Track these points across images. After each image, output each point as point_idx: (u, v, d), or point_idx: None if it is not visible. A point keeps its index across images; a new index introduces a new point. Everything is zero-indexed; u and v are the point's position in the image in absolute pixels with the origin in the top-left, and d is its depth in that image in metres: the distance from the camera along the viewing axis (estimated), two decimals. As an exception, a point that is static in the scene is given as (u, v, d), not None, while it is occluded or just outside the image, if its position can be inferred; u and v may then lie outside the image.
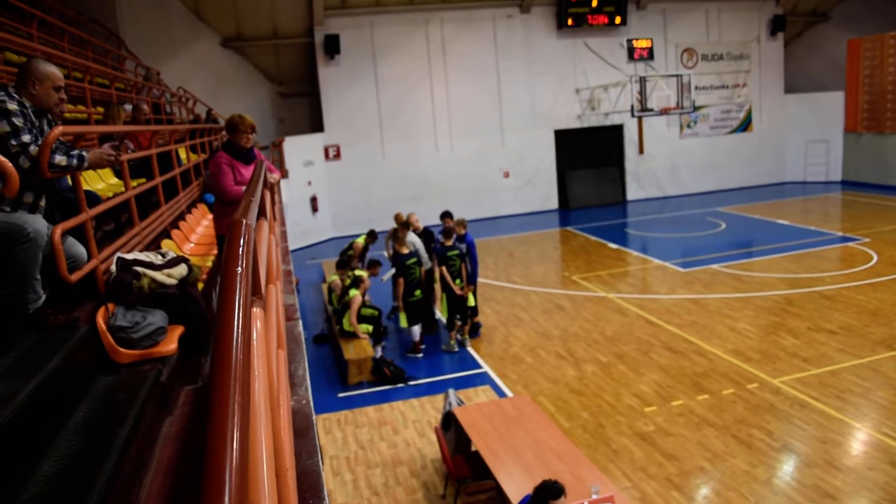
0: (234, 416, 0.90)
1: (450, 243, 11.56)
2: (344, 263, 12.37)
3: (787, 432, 8.01)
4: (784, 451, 7.65)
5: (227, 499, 0.76)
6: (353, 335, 10.96)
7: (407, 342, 11.76)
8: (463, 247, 11.72)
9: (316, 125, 23.39)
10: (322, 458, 2.81)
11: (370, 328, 11.03)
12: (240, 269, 1.34)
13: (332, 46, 21.87)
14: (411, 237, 12.00)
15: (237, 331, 1.10)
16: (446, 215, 12.66)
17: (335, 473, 7.84)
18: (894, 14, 25.60)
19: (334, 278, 12.30)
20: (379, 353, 10.96)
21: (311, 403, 2.90)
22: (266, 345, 1.63)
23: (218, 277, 5.95)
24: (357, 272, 11.42)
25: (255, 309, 1.64)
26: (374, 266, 12.25)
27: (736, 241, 18.70)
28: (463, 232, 11.99)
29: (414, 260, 11.49)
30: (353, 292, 11.02)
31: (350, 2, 22.13)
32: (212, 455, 0.84)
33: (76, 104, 9.04)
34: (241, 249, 1.47)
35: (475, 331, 12.14)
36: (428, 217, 16.07)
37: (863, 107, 25.32)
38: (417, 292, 11.41)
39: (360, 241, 13.33)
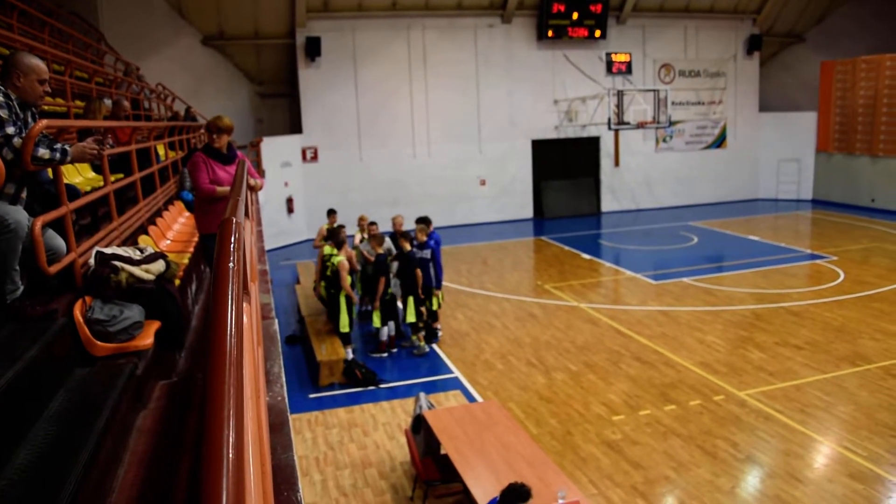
0: (230, 406, 0.96)
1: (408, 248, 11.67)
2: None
3: (751, 444, 8.17)
4: (748, 463, 7.80)
5: (224, 484, 0.81)
6: (333, 306, 11.08)
7: (372, 343, 11.83)
8: (427, 252, 11.70)
9: (294, 126, 23.36)
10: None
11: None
12: (232, 264, 1.40)
13: (314, 49, 21.88)
14: (387, 240, 12.14)
15: (231, 323, 1.15)
16: (421, 221, 12.48)
17: (304, 473, 7.86)
18: (867, 38, 26.16)
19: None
20: (350, 355, 10.97)
21: (286, 400, 2.95)
22: (251, 339, 1.68)
23: (193, 274, 5.96)
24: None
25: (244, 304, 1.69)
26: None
27: (707, 255, 18.97)
28: (423, 239, 11.90)
29: (390, 259, 11.63)
30: (338, 258, 11.04)
31: (332, 5, 22.16)
32: (209, 442, 0.90)
33: (55, 97, 9.00)
34: (232, 246, 1.53)
35: (434, 336, 12.20)
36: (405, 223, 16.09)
37: (834, 127, 25.82)
38: (389, 290, 11.51)
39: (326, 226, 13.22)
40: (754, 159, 27.86)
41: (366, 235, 12.81)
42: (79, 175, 6.60)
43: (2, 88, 3.58)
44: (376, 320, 11.55)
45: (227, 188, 5.26)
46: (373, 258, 11.70)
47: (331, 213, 13.61)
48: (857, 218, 22.85)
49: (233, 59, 22.68)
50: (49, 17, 12.66)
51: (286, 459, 2.34)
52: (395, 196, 23.02)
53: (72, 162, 3.87)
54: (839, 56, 25.88)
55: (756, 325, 12.43)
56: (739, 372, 10.33)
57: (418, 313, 11.60)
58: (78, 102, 9.11)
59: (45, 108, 8.29)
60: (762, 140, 27.72)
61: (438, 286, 11.87)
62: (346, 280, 10.93)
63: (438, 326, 12.41)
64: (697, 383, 9.98)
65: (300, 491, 2.15)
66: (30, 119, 3.79)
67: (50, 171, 4.11)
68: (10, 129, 3.47)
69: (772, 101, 28.13)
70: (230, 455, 0.86)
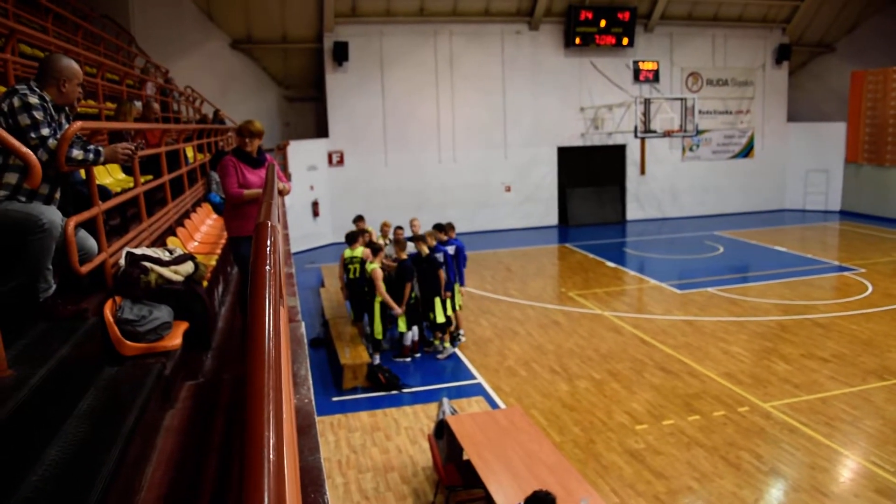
0: (270, 409, 0.97)
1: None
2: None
3: (775, 456, 8.07)
4: (772, 475, 7.71)
5: (266, 486, 0.82)
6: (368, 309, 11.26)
7: (396, 347, 11.86)
8: (439, 256, 11.76)
9: (321, 130, 23.50)
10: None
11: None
12: (269, 267, 1.41)
13: (341, 53, 22.00)
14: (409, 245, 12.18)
15: (269, 327, 1.17)
16: (439, 228, 12.48)
17: (327, 476, 7.87)
18: (898, 48, 25.85)
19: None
20: (377, 360, 11.02)
21: (314, 402, 2.97)
22: (285, 342, 1.70)
23: (220, 276, 6.01)
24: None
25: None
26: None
27: (733, 265, 18.79)
28: (433, 243, 11.91)
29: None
30: (371, 266, 11.12)
31: (360, 10, 22.29)
32: (251, 444, 0.91)
33: (87, 99, 9.13)
34: (268, 249, 1.55)
35: (455, 339, 12.26)
36: (427, 227, 16.11)
37: (864, 138, 25.48)
38: (414, 294, 11.52)
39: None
40: (782, 169, 27.58)
41: (388, 241, 12.83)
42: (109, 176, 6.68)
43: (37, 90, 3.65)
44: (402, 325, 11.56)
45: (255, 191, 5.30)
46: (394, 264, 11.72)
47: (358, 219, 13.61)
48: (887, 230, 22.53)
49: (260, 62, 22.87)
50: (83, 21, 12.86)
51: (313, 461, 2.36)
52: (419, 201, 23.07)
53: (104, 163, 3.93)
54: (869, 66, 25.56)
55: (782, 337, 12.29)
56: (764, 383, 10.22)
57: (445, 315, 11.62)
58: (109, 104, 9.24)
59: (78, 109, 8.42)
60: (790, 150, 27.44)
61: (450, 288, 11.85)
62: (382, 287, 11.00)
63: (461, 330, 12.41)
64: (721, 394, 9.88)
65: (327, 493, 2.17)
66: (63, 121, 3.85)
67: (83, 172, 4.17)
68: (46, 131, 3.53)
69: (800, 111, 27.84)
70: (271, 457, 0.87)
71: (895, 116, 24.08)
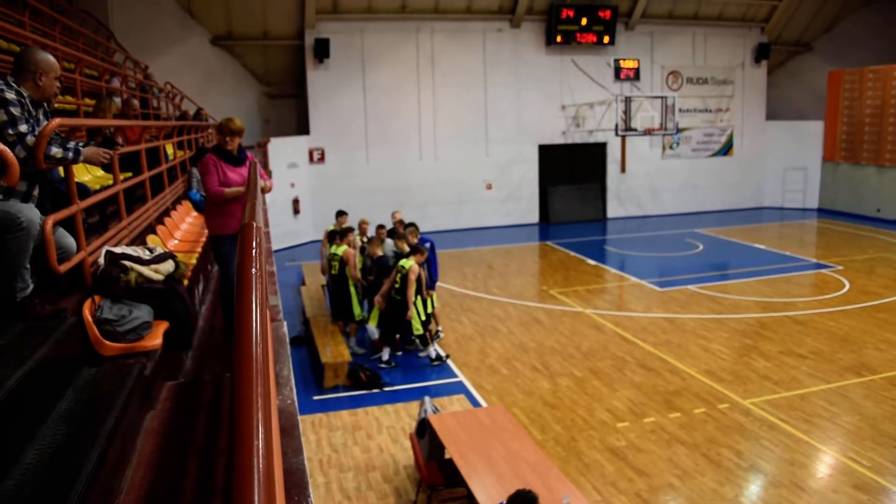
0: (258, 416, 0.96)
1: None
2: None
3: (755, 453, 8.14)
4: (752, 471, 7.77)
5: (257, 494, 0.81)
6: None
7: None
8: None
9: (302, 127, 23.38)
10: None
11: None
12: (255, 269, 1.39)
13: (322, 50, 21.90)
14: (387, 242, 12.17)
15: (256, 330, 1.15)
16: (411, 225, 12.50)
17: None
18: (875, 48, 26.12)
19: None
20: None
21: (296, 403, 2.95)
22: (269, 342, 1.68)
23: (200, 275, 5.97)
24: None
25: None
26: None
27: (712, 262, 18.94)
28: (414, 241, 11.93)
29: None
30: (409, 263, 11.04)
31: (341, 7, 22.19)
32: (240, 451, 0.89)
33: (65, 95, 9.02)
34: (254, 251, 1.53)
35: (435, 336, 12.30)
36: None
37: (841, 137, 25.77)
38: (397, 296, 11.50)
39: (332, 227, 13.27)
40: (761, 167, 27.81)
41: (365, 239, 12.83)
42: (88, 173, 6.60)
43: (14, 86, 3.59)
44: (374, 318, 11.50)
45: (236, 189, 5.25)
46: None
47: (340, 214, 13.57)
48: (863, 228, 22.79)
49: (241, 59, 22.71)
50: (60, 15, 12.70)
51: (297, 464, 2.33)
52: (401, 198, 23.02)
53: (84, 162, 3.88)
54: (847, 66, 25.83)
55: (761, 334, 12.40)
56: (744, 380, 10.31)
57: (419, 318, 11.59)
58: (87, 100, 9.13)
59: (56, 105, 8.31)
60: (769, 148, 27.68)
61: (431, 287, 11.90)
62: (353, 268, 11.35)
63: (440, 328, 12.43)
64: (702, 391, 9.95)
65: (311, 496, 2.15)
66: (41, 117, 3.79)
67: (61, 169, 4.12)
68: (24, 127, 3.47)
69: (779, 110, 28.09)
70: (261, 465, 0.86)
71: (871, 115, 24.37)
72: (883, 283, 15.52)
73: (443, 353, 11.62)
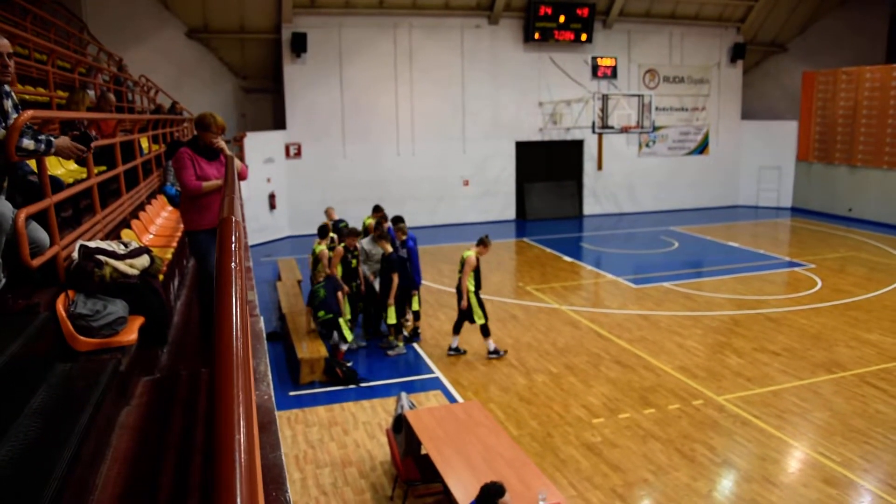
0: (240, 410, 0.95)
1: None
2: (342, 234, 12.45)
3: (728, 448, 8.24)
4: (725, 466, 7.87)
5: (238, 488, 0.81)
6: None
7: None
8: (404, 252, 11.83)
9: (278, 122, 23.24)
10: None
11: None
12: (234, 264, 1.38)
13: (299, 44, 21.77)
14: (364, 240, 12.13)
15: (237, 324, 1.14)
16: (399, 220, 12.54)
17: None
18: (848, 50, 26.50)
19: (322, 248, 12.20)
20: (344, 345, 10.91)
21: (273, 399, 2.94)
22: (249, 337, 1.67)
23: (176, 270, 5.92)
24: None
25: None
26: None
27: (688, 260, 19.10)
28: (404, 238, 12.06)
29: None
30: (468, 253, 11.12)
31: (319, 1, 22.06)
32: (222, 445, 0.89)
33: (37, 87, 8.90)
34: (233, 245, 1.52)
35: (415, 336, 12.37)
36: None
37: (815, 137, 26.11)
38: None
39: (369, 220, 13.35)
40: (735, 166, 28.09)
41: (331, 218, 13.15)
42: (61, 166, 6.52)
43: None
44: (391, 316, 11.49)
45: (214, 183, 5.21)
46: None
47: (376, 209, 13.47)
48: (835, 227, 23.11)
49: (217, 52, 22.50)
50: (31, 5, 12.50)
51: (274, 459, 2.33)
52: (377, 194, 22.88)
53: (56, 154, 3.82)
54: (820, 67, 26.19)
55: (735, 331, 12.54)
56: (718, 377, 10.42)
57: (399, 314, 11.61)
58: (60, 93, 9.01)
59: (27, 97, 8.19)
60: (744, 147, 27.96)
61: (415, 287, 11.96)
62: (326, 264, 11.23)
63: (418, 327, 12.49)
64: (676, 387, 10.05)
65: (288, 491, 2.14)
66: (10, 108, 3.71)
67: (33, 162, 4.05)
68: None
69: (754, 110, 28.38)
70: (242, 458, 0.86)
71: (844, 116, 24.71)
72: (854, 282, 15.76)
73: (459, 348, 11.72)
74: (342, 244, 11.73)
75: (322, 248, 11.95)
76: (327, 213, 14.73)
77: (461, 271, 11.16)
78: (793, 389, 9.91)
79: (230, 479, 0.81)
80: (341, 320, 10.65)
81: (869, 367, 10.69)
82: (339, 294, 10.79)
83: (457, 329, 11.54)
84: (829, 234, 22.01)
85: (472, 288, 11.12)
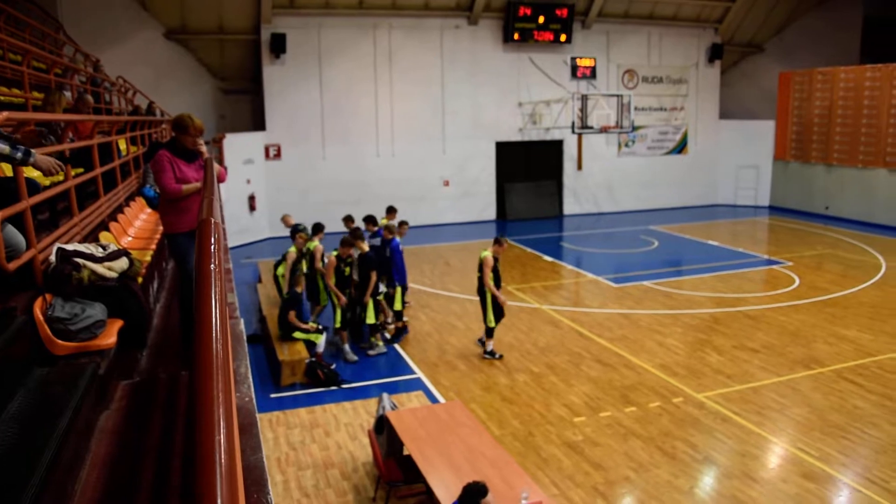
0: (220, 411, 0.95)
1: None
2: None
3: (709, 445, 8.30)
4: (705, 463, 7.93)
5: (219, 490, 0.80)
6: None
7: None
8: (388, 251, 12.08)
9: (258, 123, 23.12)
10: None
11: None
12: (213, 266, 1.38)
13: (279, 45, 21.68)
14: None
15: (216, 327, 1.14)
16: (391, 210, 13.19)
17: (265, 475, 7.77)
18: (823, 51, 26.81)
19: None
20: (320, 347, 10.88)
21: (255, 401, 2.92)
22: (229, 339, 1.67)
23: (155, 272, 5.87)
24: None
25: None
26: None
27: (667, 259, 19.23)
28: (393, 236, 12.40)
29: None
30: (485, 253, 11.21)
31: (298, 2, 21.98)
32: (203, 447, 0.89)
33: (12, 88, 8.80)
34: (213, 247, 1.51)
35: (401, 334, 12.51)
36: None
37: (791, 136, 26.40)
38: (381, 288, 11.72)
39: (384, 221, 13.67)
40: (714, 165, 28.31)
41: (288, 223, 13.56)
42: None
43: None
44: (370, 315, 11.52)
45: (193, 185, 5.17)
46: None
47: (390, 210, 13.98)
48: (812, 225, 23.37)
49: (196, 53, 22.36)
50: (5, 5, 12.36)
51: (255, 461, 2.31)
52: (357, 195, 22.94)
53: (34, 167, 3.79)
54: (797, 67, 26.47)
55: (714, 329, 12.64)
56: (698, 374, 10.50)
57: (377, 313, 11.64)
58: (35, 94, 8.92)
59: (2, 98, 8.10)
60: (722, 147, 28.19)
61: (402, 281, 12.09)
62: (489, 277, 11.13)
63: (388, 321, 12.63)
64: (657, 385, 10.11)
65: (270, 493, 2.14)
66: None
67: (8, 167, 4.01)
68: None
69: (732, 109, 28.63)
70: (223, 460, 0.86)
71: (820, 116, 25.01)
72: (831, 279, 15.94)
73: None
74: (335, 253, 11.60)
75: (316, 243, 12.18)
76: (284, 220, 14.43)
77: (480, 272, 11.22)
78: (772, 386, 10.00)
79: (211, 481, 0.81)
80: (297, 333, 10.87)
81: (846, 362, 10.82)
82: (291, 313, 10.91)
83: (489, 332, 11.53)
84: (806, 231, 22.25)
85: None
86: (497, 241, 11.31)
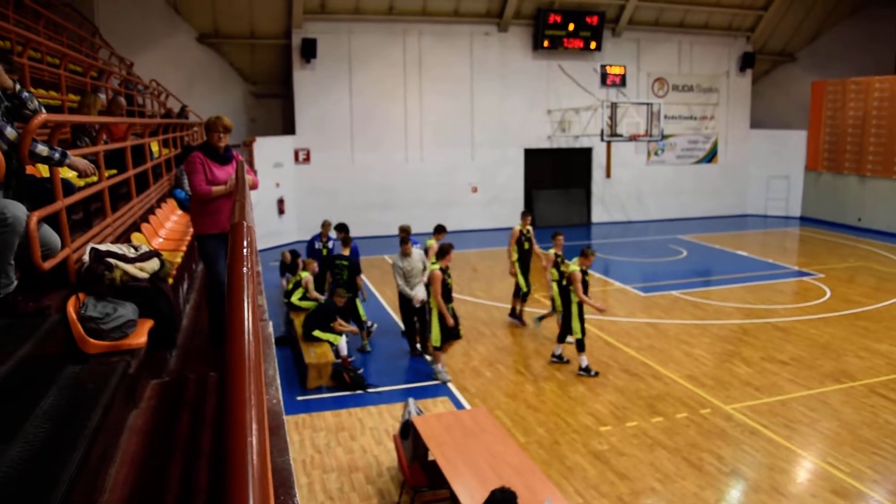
0: (252, 413, 0.96)
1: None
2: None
3: (736, 458, 8.20)
4: (732, 476, 7.82)
5: (251, 491, 0.81)
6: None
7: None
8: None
9: (287, 127, 23.32)
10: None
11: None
12: (246, 269, 1.39)
13: (309, 50, 21.86)
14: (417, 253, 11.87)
15: (248, 328, 1.15)
16: (440, 230, 13.22)
17: (289, 477, 7.81)
18: (856, 60, 26.43)
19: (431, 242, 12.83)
20: (342, 349, 10.90)
21: (282, 403, 2.94)
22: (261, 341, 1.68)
23: (185, 273, 5.93)
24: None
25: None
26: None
27: (696, 269, 19.05)
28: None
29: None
30: (573, 267, 11.00)
31: (329, 7, 22.16)
32: (234, 447, 0.89)
33: (49, 90, 8.95)
34: (245, 251, 1.52)
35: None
36: (393, 227, 16.07)
37: (824, 147, 26.05)
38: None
39: (432, 241, 13.25)
40: (744, 175, 28.03)
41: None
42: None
43: None
44: (436, 337, 10.84)
45: (223, 188, 5.22)
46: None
47: (439, 230, 13.46)
48: (844, 236, 23.02)
49: (227, 57, 22.63)
50: (45, 9, 12.59)
51: (282, 463, 2.33)
52: (385, 200, 23.04)
53: (68, 167, 3.86)
54: (829, 76, 26.14)
55: (743, 340, 12.49)
56: (726, 386, 10.37)
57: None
58: (72, 96, 9.06)
59: (40, 101, 8.24)
60: (752, 156, 27.91)
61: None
62: (581, 288, 10.79)
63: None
64: (684, 396, 10.01)
65: (297, 495, 2.15)
66: (28, 109, 3.77)
67: (45, 168, 4.09)
68: None
69: (763, 119, 28.34)
70: (254, 461, 0.86)
71: (853, 126, 24.64)
72: (863, 292, 15.68)
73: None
74: (437, 266, 10.76)
75: (307, 274, 12.77)
76: (283, 256, 15.87)
77: (570, 285, 10.92)
78: (801, 399, 9.86)
79: (242, 483, 0.81)
80: (316, 332, 11.00)
81: (878, 377, 10.63)
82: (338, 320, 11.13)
83: (561, 338, 11.46)
84: (838, 243, 21.92)
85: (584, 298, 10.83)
86: (583, 254, 10.95)
